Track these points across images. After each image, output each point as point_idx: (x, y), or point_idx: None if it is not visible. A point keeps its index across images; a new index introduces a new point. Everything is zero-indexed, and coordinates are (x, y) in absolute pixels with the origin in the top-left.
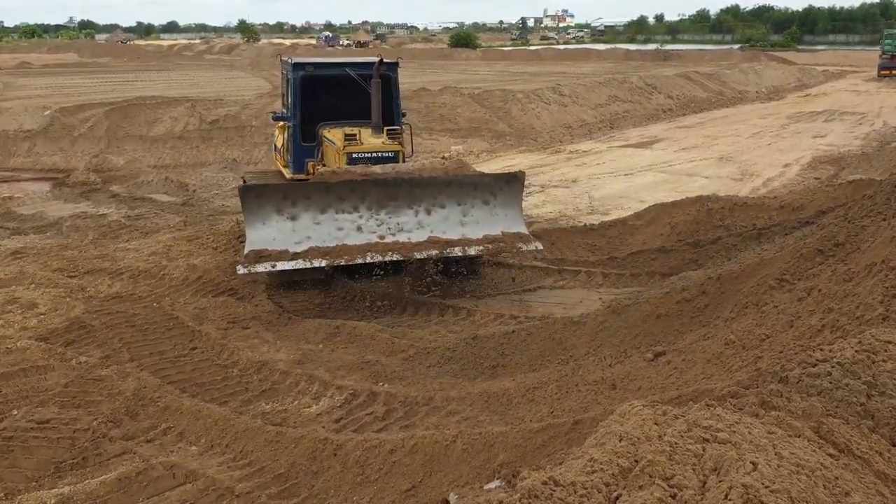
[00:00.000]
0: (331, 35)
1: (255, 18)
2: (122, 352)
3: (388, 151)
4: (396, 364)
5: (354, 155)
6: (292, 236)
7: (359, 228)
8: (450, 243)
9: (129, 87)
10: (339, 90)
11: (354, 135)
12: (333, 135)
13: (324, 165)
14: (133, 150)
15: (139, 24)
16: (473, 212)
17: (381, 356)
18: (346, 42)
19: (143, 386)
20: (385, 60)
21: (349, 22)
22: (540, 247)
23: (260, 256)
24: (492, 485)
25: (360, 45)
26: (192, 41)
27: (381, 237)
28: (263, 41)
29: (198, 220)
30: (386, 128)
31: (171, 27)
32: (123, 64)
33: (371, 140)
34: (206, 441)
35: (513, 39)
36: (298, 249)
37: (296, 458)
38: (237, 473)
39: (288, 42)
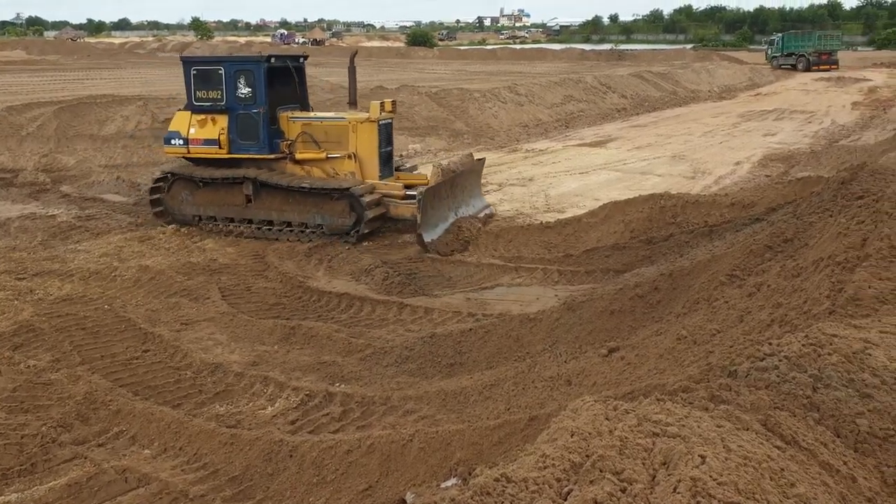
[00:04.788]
0: (286, 33)
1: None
2: (73, 355)
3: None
4: (353, 364)
5: (382, 122)
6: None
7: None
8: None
9: (79, 86)
10: (279, 79)
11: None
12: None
13: (289, 143)
14: (84, 150)
15: (89, 20)
16: None
17: (337, 356)
18: (301, 40)
19: (95, 389)
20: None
21: (305, 20)
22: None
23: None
24: (448, 483)
25: (316, 42)
26: (145, 39)
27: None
28: (217, 39)
29: (150, 220)
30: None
31: (123, 24)
32: (73, 62)
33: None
34: (160, 444)
35: (441, 40)
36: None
37: (251, 460)
38: (191, 476)
39: (242, 40)
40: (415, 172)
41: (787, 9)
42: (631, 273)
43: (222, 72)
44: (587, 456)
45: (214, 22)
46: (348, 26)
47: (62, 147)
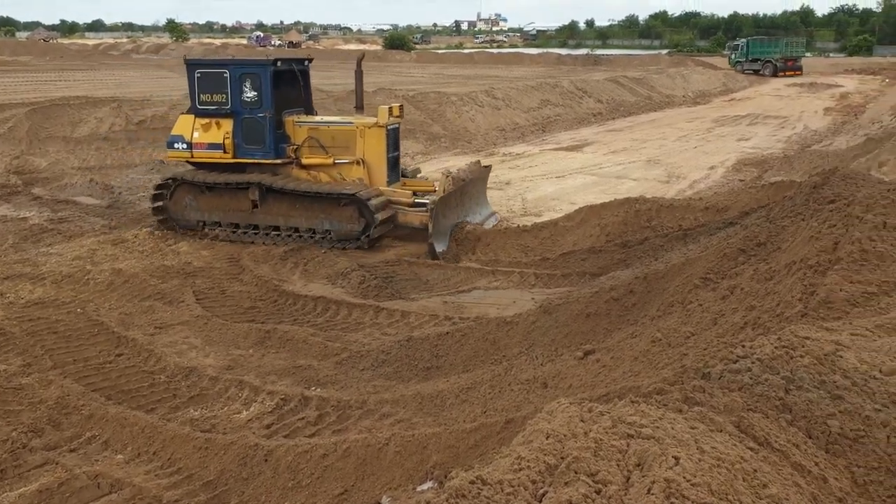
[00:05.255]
0: (262, 35)
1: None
2: (44, 359)
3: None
4: (329, 368)
5: (390, 127)
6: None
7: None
8: None
9: (52, 87)
10: (284, 83)
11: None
12: (379, 112)
13: (295, 148)
14: (56, 152)
15: (62, 21)
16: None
17: (313, 360)
18: (278, 42)
19: (67, 394)
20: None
21: (281, 22)
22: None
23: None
24: (424, 486)
25: (293, 45)
26: (119, 40)
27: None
28: (193, 41)
29: (124, 223)
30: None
31: (97, 25)
32: (46, 63)
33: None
34: (133, 449)
35: (416, 43)
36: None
37: (225, 464)
38: (165, 481)
39: (218, 42)
40: (419, 177)
41: (761, 15)
42: (606, 276)
43: (227, 75)
44: (562, 458)
45: (190, 24)
46: (325, 29)
47: (34, 149)
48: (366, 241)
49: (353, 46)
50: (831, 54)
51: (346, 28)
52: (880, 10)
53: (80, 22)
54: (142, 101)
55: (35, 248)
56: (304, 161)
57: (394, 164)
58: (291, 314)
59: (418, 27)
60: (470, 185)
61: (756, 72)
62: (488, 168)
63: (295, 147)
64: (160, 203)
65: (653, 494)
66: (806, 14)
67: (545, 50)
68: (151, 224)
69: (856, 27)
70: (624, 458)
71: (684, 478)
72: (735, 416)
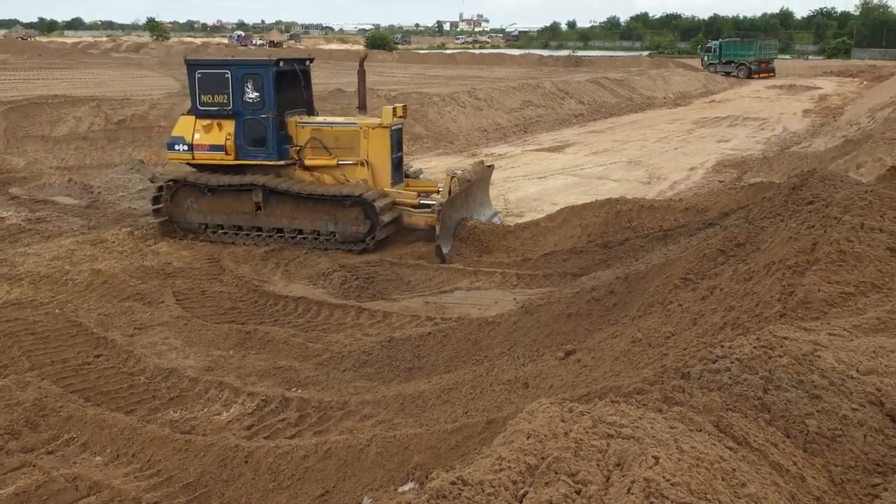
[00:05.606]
0: (243, 34)
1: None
2: (22, 360)
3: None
4: (310, 369)
5: (394, 128)
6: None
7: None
8: None
9: (30, 86)
10: (285, 83)
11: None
12: (384, 112)
13: (298, 149)
14: (34, 151)
15: (41, 19)
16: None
17: (294, 361)
18: (259, 42)
19: (45, 396)
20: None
21: (262, 21)
22: None
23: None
24: (406, 487)
25: (274, 44)
26: (99, 39)
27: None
28: (173, 40)
29: (103, 223)
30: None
31: (76, 24)
32: (24, 61)
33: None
34: (112, 451)
35: (396, 43)
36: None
37: (206, 466)
38: (144, 483)
39: (198, 41)
40: (421, 177)
41: (741, 17)
42: (587, 277)
43: (229, 76)
44: (542, 458)
45: (170, 23)
46: (306, 28)
47: (11, 148)
48: (371, 242)
49: (334, 46)
50: (810, 57)
51: (327, 28)
52: (858, 13)
53: (59, 20)
54: (121, 101)
55: (12, 249)
56: (308, 162)
57: (397, 165)
58: (272, 315)
59: (400, 27)
60: (474, 186)
61: (728, 74)
62: (491, 168)
63: (298, 148)
64: (160, 206)
65: (632, 494)
66: (785, 16)
67: (527, 51)
68: (131, 225)
69: (834, 30)
70: (604, 458)
71: (664, 477)
72: (714, 416)
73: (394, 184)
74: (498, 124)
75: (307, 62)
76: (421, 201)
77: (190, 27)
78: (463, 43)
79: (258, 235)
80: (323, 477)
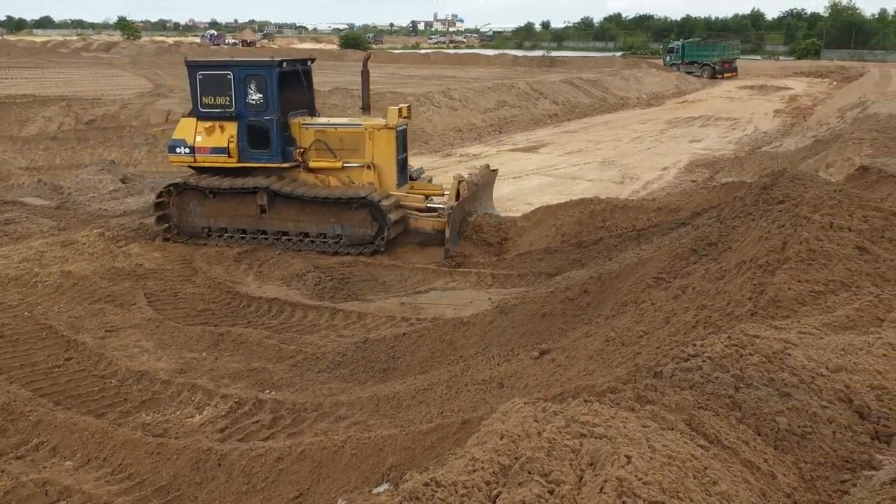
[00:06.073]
0: (215, 34)
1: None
2: None
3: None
4: (284, 370)
5: (399, 129)
6: None
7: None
8: None
9: None
10: (287, 84)
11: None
12: (390, 113)
13: (302, 151)
14: (2, 151)
15: (9, 18)
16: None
17: (267, 363)
18: (232, 41)
19: (13, 399)
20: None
21: (235, 21)
22: None
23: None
24: (380, 488)
25: (247, 44)
26: (68, 37)
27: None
28: (145, 39)
29: (73, 224)
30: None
31: (45, 22)
32: None
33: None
34: (82, 455)
35: (368, 42)
36: None
37: (178, 469)
38: (115, 488)
39: (170, 40)
40: (422, 177)
41: (713, 18)
42: (562, 276)
43: (231, 77)
44: (516, 458)
45: (142, 22)
46: (280, 28)
47: None
48: (382, 244)
49: (308, 45)
50: (781, 57)
51: (301, 27)
52: (828, 14)
53: (28, 18)
54: (92, 100)
55: None
56: (312, 164)
57: (402, 167)
58: (245, 316)
59: (374, 27)
60: (480, 189)
61: (690, 73)
62: (496, 172)
63: (302, 150)
64: (163, 212)
65: (605, 493)
66: (756, 17)
67: (501, 51)
68: (102, 226)
69: (804, 31)
70: (577, 458)
71: (636, 476)
72: (686, 414)
73: (399, 185)
74: (473, 124)
75: (308, 62)
76: (428, 205)
77: (162, 26)
78: (436, 43)
79: (264, 239)
80: (297, 479)
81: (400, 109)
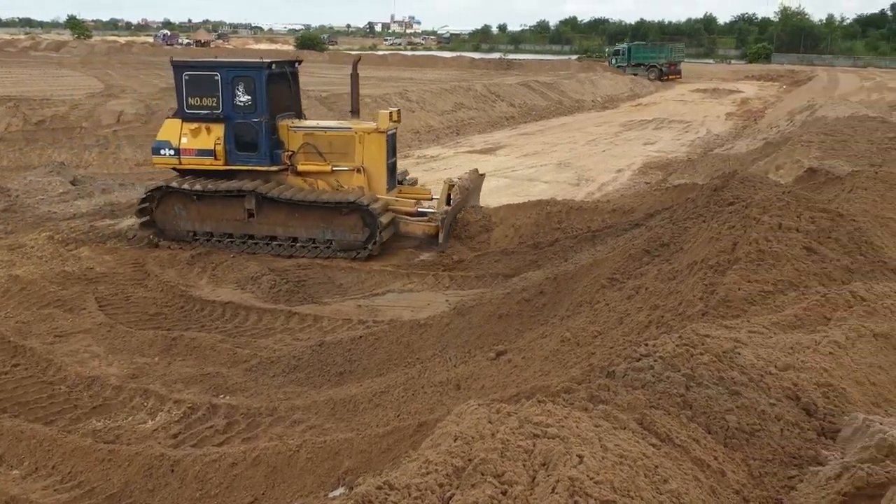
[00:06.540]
0: (169, 33)
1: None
2: None
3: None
4: (238, 375)
5: (390, 132)
6: None
7: None
8: None
9: None
10: (274, 85)
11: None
12: (378, 116)
13: (290, 154)
14: None
15: None
16: None
17: (221, 367)
18: (186, 41)
19: None
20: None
21: (189, 21)
22: None
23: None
24: (336, 492)
25: (201, 44)
26: (16, 36)
27: None
28: (96, 38)
29: (21, 227)
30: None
31: None
32: None
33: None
34: (30, 464)
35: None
36: None
37: (130, 476)
38: (65, 496)
39: (122, 40)
40: (407, 179)
41: (667, 22)
42: (518, 277)
43: (219, 78)
44: (469, 460)
45: (93, 21)
46: (235, 28)
47: None
48: (375, 248)
49: (264, 46)
50: (732, 61)
51: (256, 27)
52: (778, 19)
53: None
54: (41, 101)
55: None
56: (300, 168)
57: (392, 171)
58: (199, 320)
59: (331, 28)
60: (470, 193)
61: (636, 75)
62: (483, 176)
63: (290, 153)
64: (147, 217)
65: (557, 493)
66: (709, 22)
67: (458, 53)
68: (51, 229)
69: (755, 35)
70: (530, 458)
71: (588, 476)
72: (638, 414)
73: (388, 190)
74: (430, 126)
75: (296, 64)
76: (418, 209)
77: (114, 25)
78: (392, 44)
79: (252, 243)
80: (252, 484)
81: (391, 113)
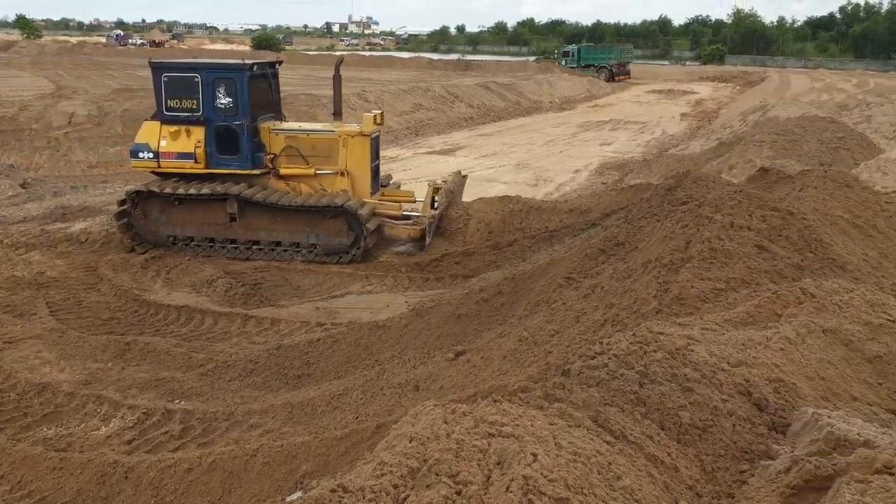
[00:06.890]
0: (122, 33)
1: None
2: None
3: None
4: (194, 379)
5: (374, 135)
6: None
7: None
8: None
9: None
10: (255, 87)
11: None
12: (363, 119)
13: (273, 157)
14: None
15: None
16: None
17: (177, 372)
18: (139, 41)
19: None
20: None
21: (143, 20)
22: None
23: None
24: (293, 496)
25: (155, 44)
26: None
27: None
28: (46, 38)
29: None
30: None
31: None
32: None
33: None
34: None
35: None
36: None
37: (82, 484)
38: None
39: (74, 40)
40: (391, 183)
41: (622, 24)
42: (477, 278)
43: (199, 80)
44: (424, 461)
45: (43, 20)
46: (189, 28)
47: None
48: (359, 253)
49: (219, 46)
50: (687, 62)
51: (212, 27)
52: (731, 21)
53: None
54: None
55: None
56: (283, 171)
57: (375, 174)
58: (153, 325)
59: (287, 28)
60: (454, 196)
61: (597, 76)
62: (466, 178)
63: (272, 156)
64: (125, 220)
65: (511, 492)
66: (664, 24)
67: (417, 54)
68: (0, 233)
69: (709, 37)
70: (485, 458)
71: (542, 474)
72: (592, 411)
73: (372, 193)
74: (389, 127)
75: (276, 65)
76: (403, 213)
77: (65, 25)
78: (349, 45)
79: (234, 248)
80: (208, 490)
81: (374, 116)
